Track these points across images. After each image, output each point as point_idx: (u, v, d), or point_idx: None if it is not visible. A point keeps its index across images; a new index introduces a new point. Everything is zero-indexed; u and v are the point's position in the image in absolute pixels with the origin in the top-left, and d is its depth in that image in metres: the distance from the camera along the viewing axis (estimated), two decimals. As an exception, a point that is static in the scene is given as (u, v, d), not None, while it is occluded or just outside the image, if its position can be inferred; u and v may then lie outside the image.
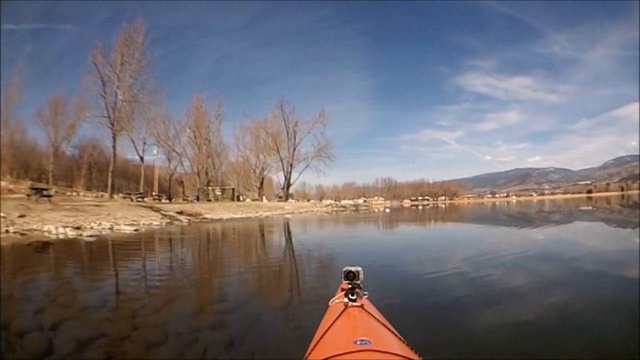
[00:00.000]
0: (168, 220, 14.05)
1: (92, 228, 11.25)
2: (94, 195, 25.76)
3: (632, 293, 2.95)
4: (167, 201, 25.14)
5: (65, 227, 10.38)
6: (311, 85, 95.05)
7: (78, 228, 10.99)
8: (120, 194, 27.00)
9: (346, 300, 1.20)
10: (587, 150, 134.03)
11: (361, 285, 1.26)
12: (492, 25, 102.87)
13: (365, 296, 1.28)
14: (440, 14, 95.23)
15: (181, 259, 6.35)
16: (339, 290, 1.36)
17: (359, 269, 1.26)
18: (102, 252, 6.99)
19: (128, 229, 10.40)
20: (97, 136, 29.00)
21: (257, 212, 19.29)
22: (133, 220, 14.34)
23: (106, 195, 24.70)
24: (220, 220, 15.30)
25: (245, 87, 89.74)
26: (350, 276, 1.24)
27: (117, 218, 14.50)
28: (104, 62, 22.87)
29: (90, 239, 8.50)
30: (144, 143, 29.86)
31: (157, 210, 16.57)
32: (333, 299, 1.33)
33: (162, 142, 31.87)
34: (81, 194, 27.00)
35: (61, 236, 8.70)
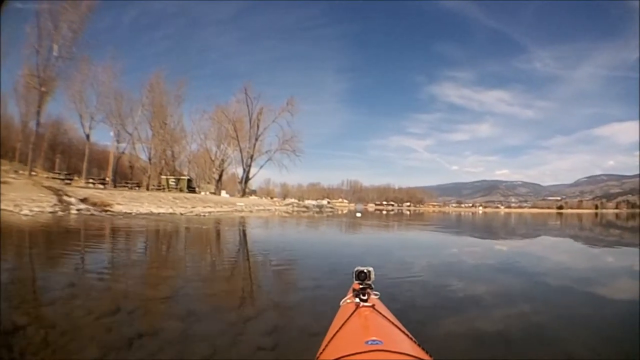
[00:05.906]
0: (54, 210, 11.16)
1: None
2: (46, 176, 23.29)
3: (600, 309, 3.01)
4: (102, 187, 21.97)
5: None
6: (287, 84, 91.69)
7: None
8: (51, 174, 24.22)
9: (357, 300, 1.18)
10: (559, 166, 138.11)
11: (372, 286, 1.23)
12: (475, 37, 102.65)
13: (377, 296, 1.26)
14: (425, 22, 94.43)
15: None
16: (350, 290, 1.32)
17: (370, 269, 1.24)
18: None
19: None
20: (64, 115, 28.18)
21: (193, 207, 16.53)
22: (15, 205, 11.58)
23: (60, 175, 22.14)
24: (128, 214, 12.45)
25: (223, 81, 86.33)
26: (362, 276, 1.22)
27: (-1, 201, 11.87)
28: (45, 13, 20.00)
29: None
30: (92, 119, 26.92)
31: (61, 195, 13.64)
32: (344, 299, 1.30)
33: (113, 118, 28.54)
34: (32, 173, 24.38)
35: None
